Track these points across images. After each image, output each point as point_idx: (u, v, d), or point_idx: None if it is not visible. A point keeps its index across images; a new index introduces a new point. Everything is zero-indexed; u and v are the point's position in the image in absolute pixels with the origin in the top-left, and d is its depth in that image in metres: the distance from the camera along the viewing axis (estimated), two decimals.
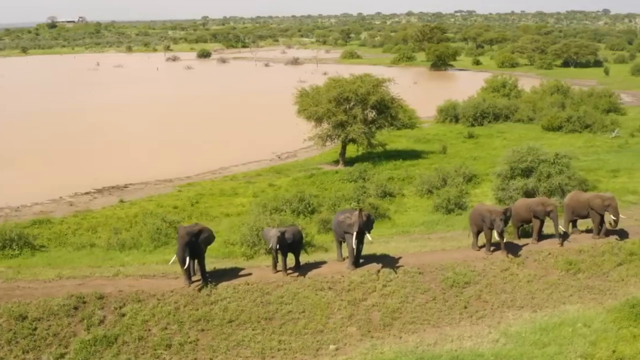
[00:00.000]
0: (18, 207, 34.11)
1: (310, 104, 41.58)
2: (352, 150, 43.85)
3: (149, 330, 17.34)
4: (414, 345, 17.27)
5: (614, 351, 17.16)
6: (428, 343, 17.42)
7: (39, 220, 30.83)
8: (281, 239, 18.80)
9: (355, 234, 19.33)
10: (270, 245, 18.99)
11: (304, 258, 21.11)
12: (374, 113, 42.37)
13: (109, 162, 46.04)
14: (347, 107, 41.26)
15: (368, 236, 19.69)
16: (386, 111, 42.13)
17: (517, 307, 19.26)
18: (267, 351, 16.92)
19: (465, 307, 18.99)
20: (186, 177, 41.39)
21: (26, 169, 43.37)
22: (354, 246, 19.68)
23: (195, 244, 18.38)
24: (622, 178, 35.73)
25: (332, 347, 17.17)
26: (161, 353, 16.74)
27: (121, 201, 35.11)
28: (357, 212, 19.60)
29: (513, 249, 21.63)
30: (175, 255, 18.76)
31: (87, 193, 37.70)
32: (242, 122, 61.54)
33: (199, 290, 18.68)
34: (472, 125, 55.19)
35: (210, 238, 19.07)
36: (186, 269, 18.69)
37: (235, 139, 53.84)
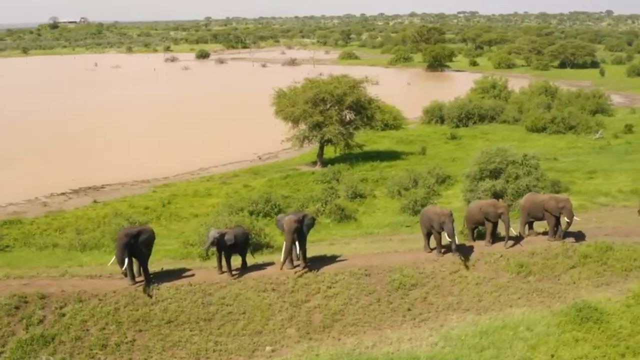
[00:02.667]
0: None
1: (287, 105, 41.54)
2: (331, 152, 43.79)
3: (87, 330, 17.33)
4: (352, 348, 17.17)
5: (552, 355, 16.97)
6: (366, 345, 17.31)
7: (9, 220, 31.00)
8: (219, 240, 18.76)
9: (285, 234, 19.40)
10: (205, 246, 18.99)
11: (252, 259, 21.05)
12: (352, 114, 42.29)
13: (92, 162, 46.14)
14: (324, 107, 41.20)
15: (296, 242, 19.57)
16: (363, 112, 42.03)
17: (462, 309, 19.03)
18: (203, 352, 16.89)
19: (409, 310, 18.79)
20: (164, 177, 41.44)
21: (10, 169, 43.50)
22: (285, 246, 19.65)
23: (134, 245, 18.39)
24: (597, 180, 35.41)
25: (268, 348, 17.10)
26: (96, 353, 16.74)
27: (95, 202, 35.22)
28: (288, 215, 19.67)
29: (465, 251, 21.45)
30: (114, 257, 18.80)
31: (62, 193, 37.86)
32: (230, 123, 61.61)
33: (144, 291, 18.65)
34: (457, 126, 54.87)
35: (150, 239, 19.06)
36: (128, 269, 18.71)
37: (220, 139, 53.88)
